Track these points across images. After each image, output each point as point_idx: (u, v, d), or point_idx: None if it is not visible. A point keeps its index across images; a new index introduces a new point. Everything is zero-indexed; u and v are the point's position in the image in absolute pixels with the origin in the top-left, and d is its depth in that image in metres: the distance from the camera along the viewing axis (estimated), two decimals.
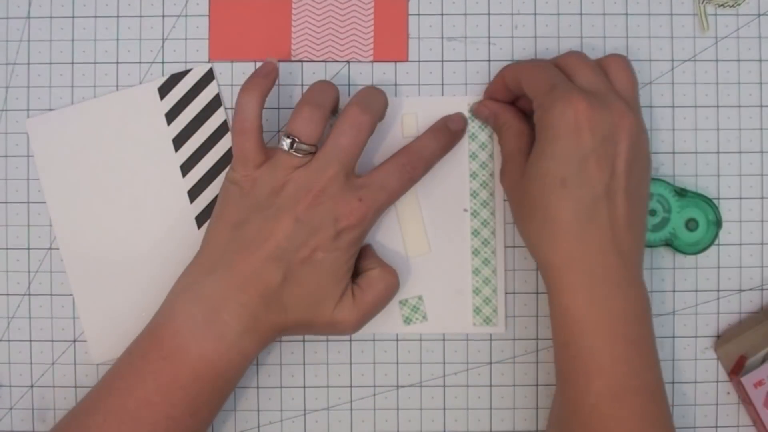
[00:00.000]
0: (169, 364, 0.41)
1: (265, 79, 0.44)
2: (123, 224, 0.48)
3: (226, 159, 0.48)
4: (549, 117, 0.41)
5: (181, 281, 0.44)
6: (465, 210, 0.48)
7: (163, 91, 0.48)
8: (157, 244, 0.48)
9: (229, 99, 0.49)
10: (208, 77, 0.48)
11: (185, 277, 0.44)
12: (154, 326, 0.43)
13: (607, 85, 0.42)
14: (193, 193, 0.48)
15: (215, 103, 0.48)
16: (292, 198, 0.42)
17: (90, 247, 0.48)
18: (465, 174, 0.48)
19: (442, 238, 0.48)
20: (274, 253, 0.42)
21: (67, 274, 0.48)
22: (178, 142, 0.48)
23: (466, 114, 0.48)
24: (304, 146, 0.43)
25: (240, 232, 0.43)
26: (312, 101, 0.43)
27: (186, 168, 0.48)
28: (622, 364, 0.40)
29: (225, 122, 0.48)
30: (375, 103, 0.45)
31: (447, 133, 0.47)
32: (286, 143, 0.43)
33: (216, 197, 0.48)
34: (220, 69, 0.49)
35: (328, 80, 0.46)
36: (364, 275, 0.45)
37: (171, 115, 0.48)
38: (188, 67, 0.49)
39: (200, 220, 0.48)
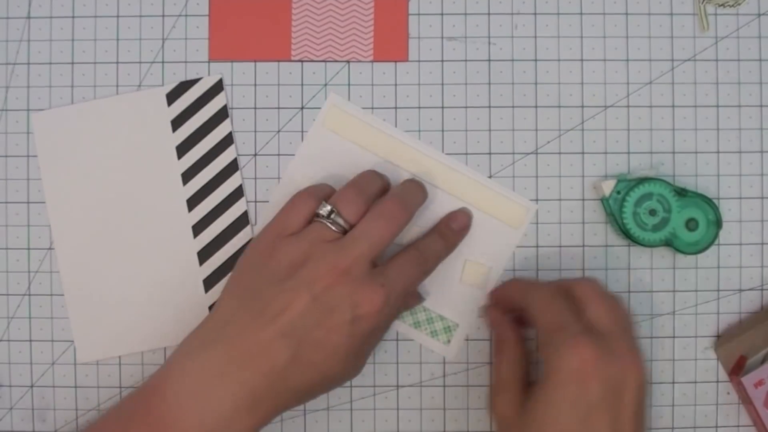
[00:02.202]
0: (161, 426, 0.39)
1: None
2: (119, 227, 0.48)
3: (227, 171, 0.48)
4: (555, 360, 0.39)
5: (184, 346, 0.41)
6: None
7: (172, 97, 0.48)
8: (151, 251, 0.48)
9: (230, 104, 0.49)
10: (218, 87, 0.48)
11: (188, 343, 0.41)
12: (148, 387, 0.40)
13: (618, 323, 0.41)
14: (192, 203, 0.48)
15: (222, 114, 0.48)
16: (312, 273, 0.40)
17: (85, 247, 0.48)
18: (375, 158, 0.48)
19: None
20: (285, 329, 0.39)
21: (60, 272, 0.48)
22: (182, 150, 0.48)
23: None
24: (341, 220, 0.42)
25: (251, 303, 0.41)
26: (358, 185, 0.44)
27: (187, 176, 0.48)
28: None
29: (230, 134, 0.48)
30: (414, 199, 0.45)
31: (452, 232, 0.47)
32: (325, 210, 0.42)
33: (214, 208, 0.48)
34: (220, 69, 0.49)
35: (379, 172, 0.46)
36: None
37: (177, 123, 0.48)
38: (188, 68, 0.49)
39: (197, 229, 0.48)
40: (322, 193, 0.44)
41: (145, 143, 0.48)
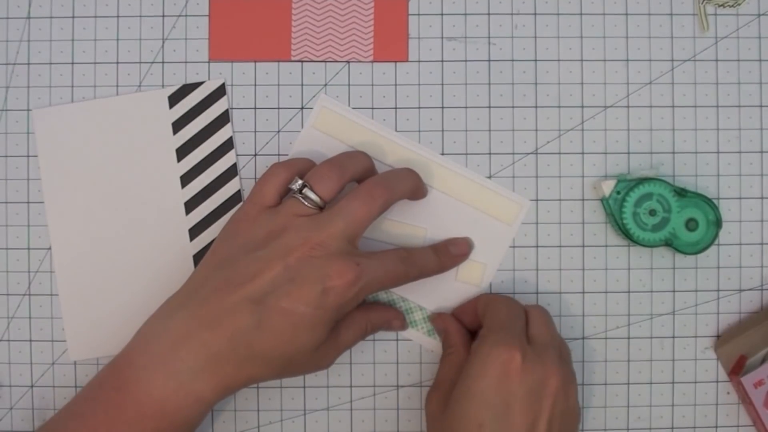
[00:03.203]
0: (119, 396, 0.39)
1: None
2: (116, 227, 0.48)
3: (226, 176, 0.48)
4: (485, 352, 0.41)
5: (155, 313, 0.42)
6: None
7: (174, 99, 0.48)
8: (147, 252, 0.48)
9: (231, 104, 0.49)
10: (220, 92, 0.48)
11: (159, 310, 0.42)
12: (119, 356, 0.41)
13: (554, 341, 0.43)
14: (190, 206, 0.48)
15: (224, 118, 0.48)
16: (287, 244, 0.40)
17: (81, 246, 0.48)
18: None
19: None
20: (253, 295, 0.39)
21: (55, 272, 0.48)
22: (182, 152, 0.48)
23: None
24: (313, 195, 0.42)
25: (223, 270, 0.41)
26: (335, 161, 0.43)
27: (186, 179, 0.48)
28: None
29: (230, 139, 0.48)
30: (400, 184, 0.44)
31: (448, 255, 0.46)
32: (297, 184, 0.42)
33: (212, 211, 0.48)
34: (220, 69, 0.49)
35: (365, 153, 0.45)
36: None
37: (178, 125, 0.48)
38: (188, 68, 0.49)
39: (193, 233, 0.48)
40: (296, 166, 0.44)
41: (145, 145, 0.48)
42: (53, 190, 0.48)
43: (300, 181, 0.42)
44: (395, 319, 0.47)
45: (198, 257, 0.48)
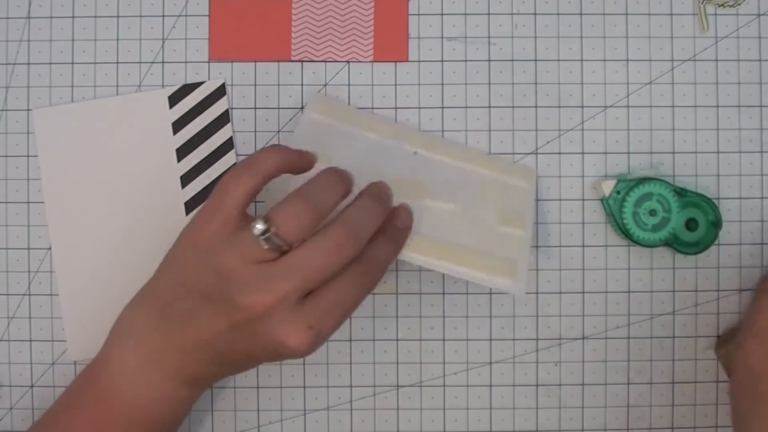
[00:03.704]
0: (102, 405, 0.40)
1: (297, 161, 0.40)
2: (116, 227, 0.48)
3: None
4: None
5: (125, 311, 0.41)
6: (414, 153, 0.46)
7: (174, 99, 0.48)
8: (147, 252, 0.48)
9: (231, 104, 0.49)
10: (220, 92, 0.48)
11: (129, 309, 0.41)
12: (95, 362, 0.41)
13: None
14: (190, 206, 0.48)
15: (224, 118, 0.48)
16: (233, 300, 0.37)
17: (81, 246, 0.48)
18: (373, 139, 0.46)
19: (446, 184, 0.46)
20: (206, 344, 0.39)
21: (55, 271, 0.48)
22: (182, 152, 0.48)
23: None
24: (277, 241, 0.36)
25: (178, 302, 0.39)
26: (310, 196, 0.37)
27: (186, 179, 0.48)
28: None
29: (230, 139, 0.48)
30: (368, 223, 0.38)
31: (398, 233, 0.41)
32: (258, 228, 0.36)
33: None
34: (220, 69, 0.49)
35: (342, 171, 0.40)
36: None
37: (178, 125, 0.48)
38: (188, 68, 0.49)
39: None
40: (263, 169, 0.38)
41: (145, 145, 0.48)
42: (53, 190, 0.48)
43: (261, 225, 0.36)
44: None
45: None
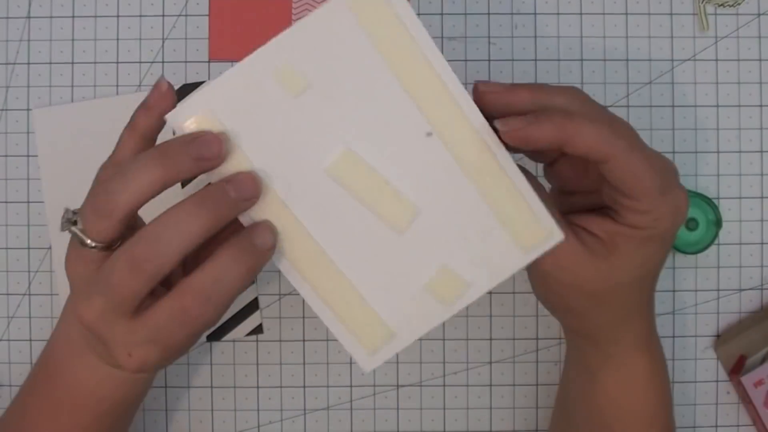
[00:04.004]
0: (52, 387, 0.38)
1: (156, 118, 0.35)
2: None
3: None
4: (661, 227, 0.34)
5: (71, 293, 0.37)
6: (428, 134, 0.35)
7: None
8: None
9: None
10: None
11: (73, 290, 0.37)
12: (46, 345, 0.40)
13: None
14: None
15: None
16: (71, 307, 0.36)
17: None
18: (398, 92, 0.34)
19: (423, 185, 0.35)
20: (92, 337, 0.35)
21: (55, 271, 0.48)
22: None
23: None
24: (87, 242, 0.33)
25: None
26: (105, 187, 0.33)
27: (186, 179, 0.48)
28: None
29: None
30: (175, 239, 0.32)
31: (253, 253, 0.34)
32: (67, 215, 0.33)
33: None
34: (220, 69, 0.49)
35: (189, 137, 0.33)
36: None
37: None
38: (188, 68, 0.49)
39: None
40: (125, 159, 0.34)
41: None
42: (53, 190, 0.48)
43: (66, 221, 0.33)
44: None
45: None
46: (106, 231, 0.32)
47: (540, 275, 0.37)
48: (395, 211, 0.35)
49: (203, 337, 0.48)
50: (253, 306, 0.49)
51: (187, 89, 0.48)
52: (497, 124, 0.34)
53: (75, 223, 0.33)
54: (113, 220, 0.32)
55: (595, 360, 0.39)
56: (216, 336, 0.48)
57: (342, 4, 0.34)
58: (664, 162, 0.35)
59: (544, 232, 0.35)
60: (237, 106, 0.34)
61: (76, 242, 0.33)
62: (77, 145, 0.48)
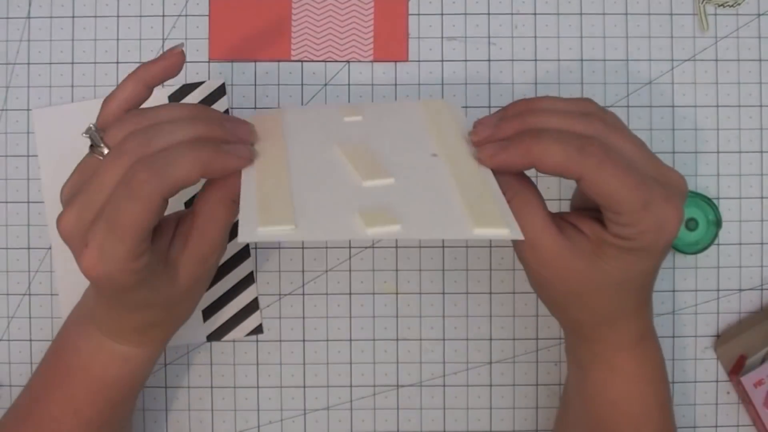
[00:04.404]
0: (56, 360, 0.41)
1: (162, 73, 0.37)
2: None
3: None
4: (645, 241, 0.34)
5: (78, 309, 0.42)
6: (434, 155, 0.38)
7: (174, 99, 0.48)
8: None
9: (231, 104, 0.49)
10: (220, 91, 0.48)
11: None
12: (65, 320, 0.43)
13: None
14: (190, 205, 0.48)
15: None
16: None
17: None
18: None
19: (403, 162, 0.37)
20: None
21: (55, 271, 0.48)
22: None
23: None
24: (105, 150, 0.35)
25: None
26: (128, 90, 0.36)
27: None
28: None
29: None
30: (176, 166, 0.34)
31: (216, 151, 0.35)
32: (88, 135, 0.36)
33: None
34: (220, 69, 0.49)
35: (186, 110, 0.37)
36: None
37: None
38: (188, 68, 0.49)
39: None
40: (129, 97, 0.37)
41: None
42: (53, 190, 0.48)
43: (90, 133, 0.36)
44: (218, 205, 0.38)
45: None
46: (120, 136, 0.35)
47: (526, 266, 0.38)
48: (371, 168, 0.37)
49: (203, 337, 0.48)
50: (253, 306, 0.49)
51: (187, 89, 0.48)
52: (477, 154, 0.36)
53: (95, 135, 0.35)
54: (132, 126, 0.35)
55: (584, 355, 0.40)
56: (216, 336, 0.48)
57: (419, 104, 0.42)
58: (658, 176, 0.35)
59: (501, 222, 0.34)
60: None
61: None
62: (77, 145, 0.48)
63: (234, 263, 0.48)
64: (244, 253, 0.48)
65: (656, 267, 0.37)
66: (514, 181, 0.37)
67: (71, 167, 0.46)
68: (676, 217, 0.34)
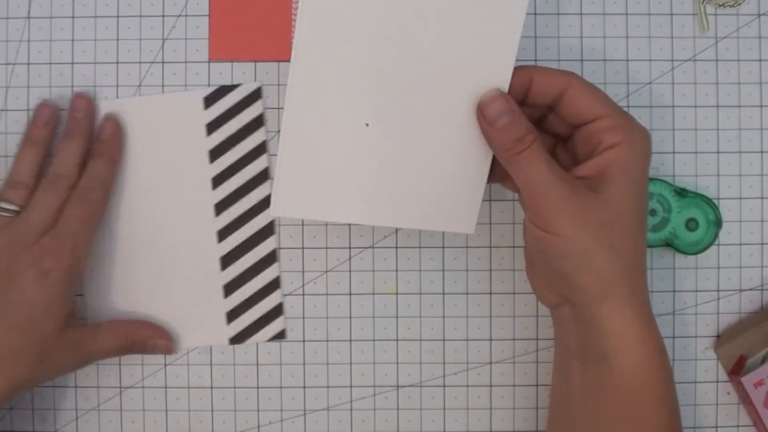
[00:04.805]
0: None
1: (45, 130, 0.47)
2: (145, 226, 0.48)
3: (258, 179, 0.48)
4: (637, 141, 0.39)
5: None
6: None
7: (209, 101, 0.48)
8: (173, 253, 0.48)
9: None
10: (255, 95, 0.48)
11: None
12: None
13: None
14: (220, 208, 0.48)
15: (258, 122, 0.48)
16: None
17: (108, 244, 0.48)
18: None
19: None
20: None
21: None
22: (215, 154, 0.48)
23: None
24: (11, 206, 0.45)
25: None
26: (15, 170, 0.46)
27: (217, 181, 0.48)
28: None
29: (264, 142, 0.48)
30: (64, 164, 0.46)
31: (106, 146, 0.47)
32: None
33: (241, 214, 0.48)
34: (220, 69, 0.49)
35: (49, 118, 0.47)
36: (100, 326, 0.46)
37: (212, 126, 0.48)
38: (188, 68, 0.49)
39: (222, 234, 0.48)
40: (26, 173, 0.46)
41: (178, 143, 0.48)
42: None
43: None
44: (160, 338, 0.47)
45: (225, 260, 0.48)
46: (24, 196, 0.45)
47: (534, 231, 0.39)
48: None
49: (226, 340, 0.48)
50: (277, 311, 0.49)
51: (223, 91, 0.48)
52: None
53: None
54: (29, 190, 0.46)
55: (596, 340, 0.39)
56: (239, 339, 0.48)
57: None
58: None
59: (464, 218, 0.42)
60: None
61: None
62: (140, 139, 0.48)
63: (260, 267, 0.48)
64: (271, 258, 0.48)
65: (642, 198, 0.39)
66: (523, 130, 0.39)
67: (135, 159, 0.48)
68: (646, 133, 0.39)
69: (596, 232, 0.38)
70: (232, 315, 0.48)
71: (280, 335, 0.48)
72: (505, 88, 0.40)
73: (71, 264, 0.43)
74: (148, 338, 0.47)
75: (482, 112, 0.40)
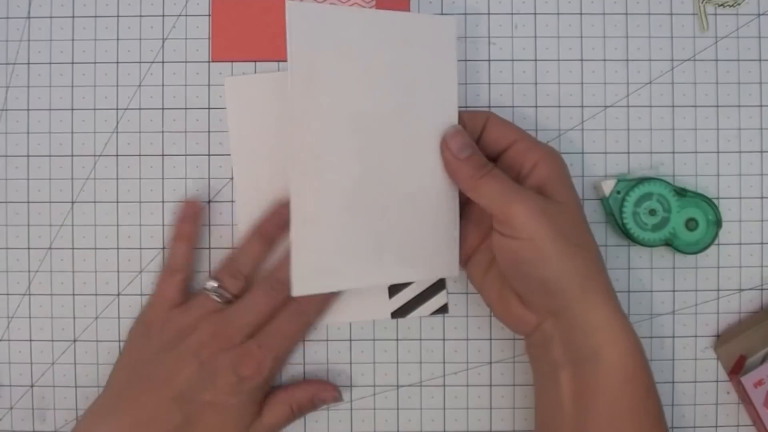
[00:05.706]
0: None
1: (193, 225, 0.47)
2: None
3: None
4: (552, 155, 0.44)
5: (82, 420, 0.44)
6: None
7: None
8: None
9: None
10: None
11: (83, 420, 0.44)
12: None
13: None
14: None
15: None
16: (199, 340, 0.44)
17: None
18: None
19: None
20: (175, 393, 0.43)
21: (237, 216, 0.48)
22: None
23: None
24: (227, 294, 0.45)
25: (140, 372, 0.44)
26: (238, 260, 0.46)
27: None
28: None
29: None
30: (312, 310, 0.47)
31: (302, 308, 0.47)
32: (211, 284, 0.45)
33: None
34: (220, 69, 0.49)
35: (258, 236, 0.47)
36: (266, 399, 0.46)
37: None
38: (188, 68, 0.49)
39: None
40: (183, 264, 0.47)
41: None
42: (241, 155, 0.48)
43: (214, 283, 0.45)
44: (325, 391, 0.47)
45: None
46: (240, 285, 0.46)
47: (507, 248, 0.41)
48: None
49: (388, 314, 0.48)
50: (439, 285, 0.49)
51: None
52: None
53: (218, 288, 0.46)
54: (246, 277, 0.47)
55: (583, 341, 0.40)
56: (401, 313, 0.48)
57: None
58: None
59: (448, 264, 0.45)
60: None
61: (203, 300, 0.46)
62: (267, 118, 0.48)
63: None
64: None
65: (579, 198, 0.43)
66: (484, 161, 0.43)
67: (260, 138, 0.47)
68: (554, 148, 0.44)
69: (566, 231, 0.40)
70: (394, 289, 0.48)
71: (443, 309, 0.48)
72: (455, 122, 0.45)
73: (267, 377, 0.44)
74: (313, 396, 0.47)
75: (448, 146, 0.43)
